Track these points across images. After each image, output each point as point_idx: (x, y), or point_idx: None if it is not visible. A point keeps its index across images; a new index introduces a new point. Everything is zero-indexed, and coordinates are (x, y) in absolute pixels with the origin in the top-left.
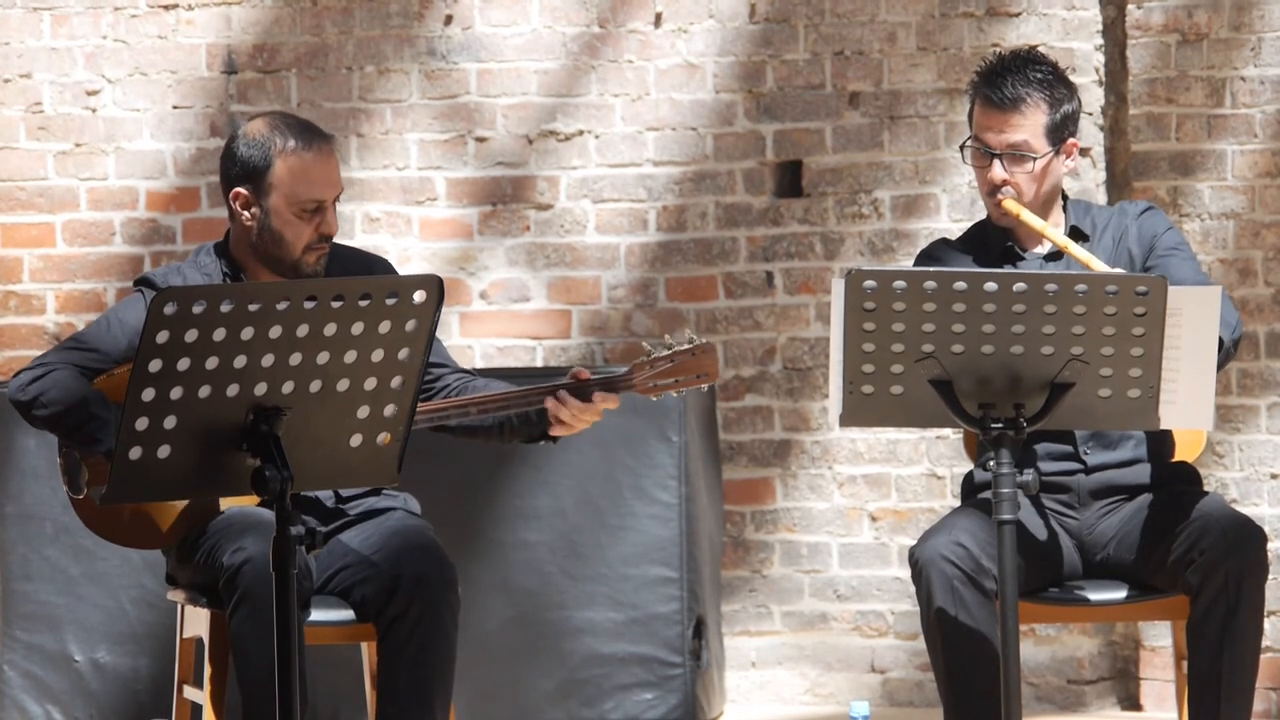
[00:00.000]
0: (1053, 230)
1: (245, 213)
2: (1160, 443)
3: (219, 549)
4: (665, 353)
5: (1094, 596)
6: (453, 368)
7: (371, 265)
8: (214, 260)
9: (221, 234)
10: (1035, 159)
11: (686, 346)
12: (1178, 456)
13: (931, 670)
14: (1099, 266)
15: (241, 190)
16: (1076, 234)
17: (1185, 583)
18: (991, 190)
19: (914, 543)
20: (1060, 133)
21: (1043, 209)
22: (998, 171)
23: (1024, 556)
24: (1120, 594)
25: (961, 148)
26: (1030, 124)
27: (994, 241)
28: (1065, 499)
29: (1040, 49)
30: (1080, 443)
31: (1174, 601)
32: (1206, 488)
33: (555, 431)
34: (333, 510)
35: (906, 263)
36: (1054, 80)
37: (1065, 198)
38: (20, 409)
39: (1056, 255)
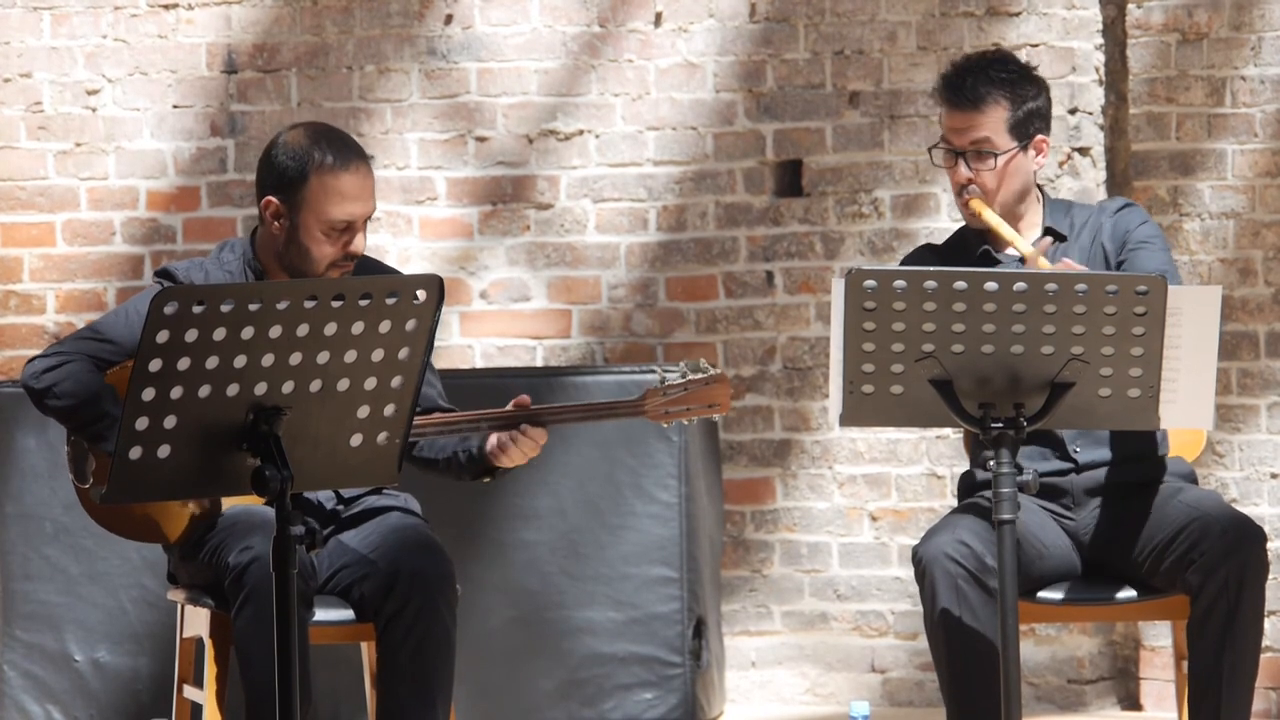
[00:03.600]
0: (1009, 230)
1: (274, 222)
2: (1145, 439)
3: (225, 548)
4: (679, 380)
5: (1094, 596)
6: (430, 400)
7: (384, 274)
8: (238, 259)
9: (223, 233)
10: (997, 155)
11: (701, 376)
12: (1174, 453)
13: (932, 670)
14: (1045, 266)
15: (273, 199)
16: (1052, 234)
17: (1186, 582)
18: (959, 190)
19: (914, 542)
20: (1025, 129)
21: (1014, 207)
22: (963, 170)
23: (1024, 556)
24: (1120, 594)
25: (930, 150)
26: (991, 121)
27: (972, 245)
28: (1062, 500)
29: (1038, 48)
30: (1069, 441)
31: (1174, 601)
32: (1206, 487)
33: (501, 462)
34: (333, 511)
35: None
36: (1017, 79)
37: (1046, 198)
38: (33, 396)
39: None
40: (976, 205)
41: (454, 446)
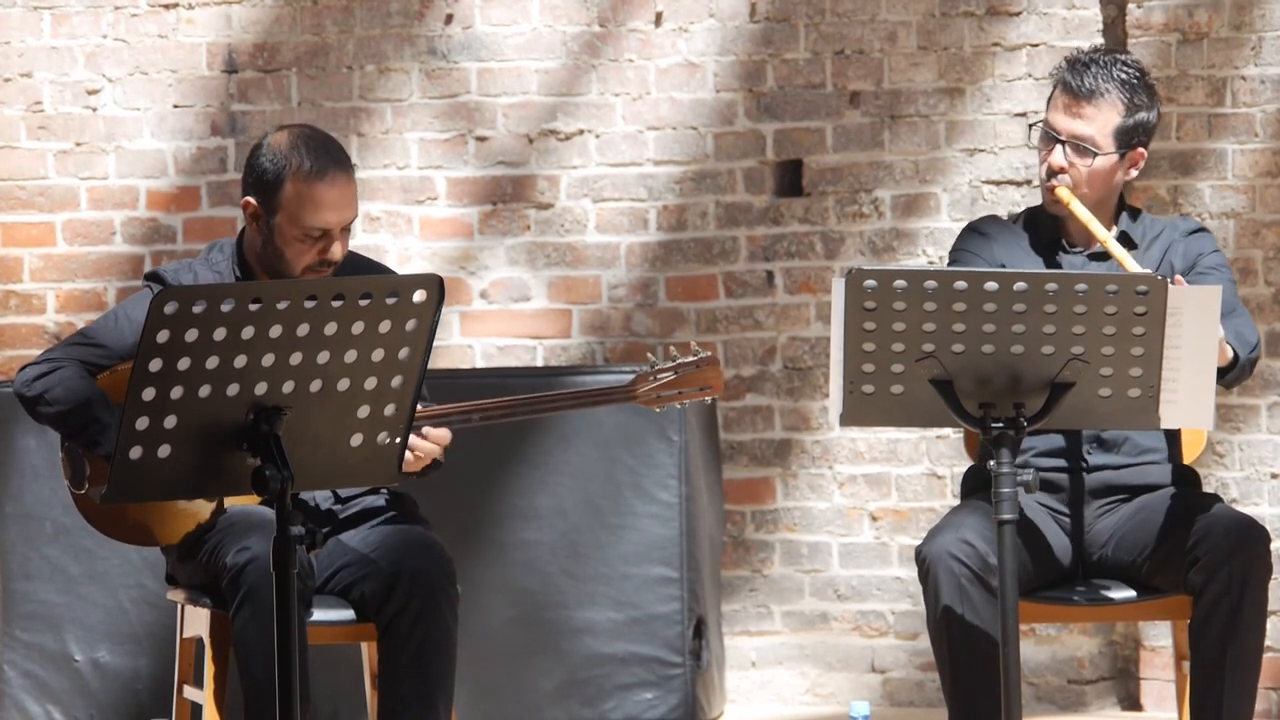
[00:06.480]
0: (1098, 226)
1: (253, 223)
2: (1171, 445)
3: (223, 548)
4: (669, 364)
5: (1094, 596)
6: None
7: (377, 272)
8: (227, 259)
9: (223, 233)
10: (1097, 155)
11: (691, 359)
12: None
13: (932, 670)
14: (1134, 269)
15: (251, 200)
16: (1125, 241)
17: (1188, 582)
18: (1049, 175)
19: (914, 542)
20: (1129, 138)
21: (1094, 210)
22: (1057, 157)
23: (1025, 556)
24: (1121, 594)
25: (1031, 126)
26: (1101, 119)
27: (1044, 230)
28: (1062, 496)
29: (1038, 48)
30: (1085, 441)
31: (1175, 601)
32: (1207, 488)
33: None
34: (328, 511)
35: (907, 262)
36: (1137, 85)
37: (1123, 203)
38: (25, 404)
39: (1103, 256)
40: (1063, 194)
41: None
